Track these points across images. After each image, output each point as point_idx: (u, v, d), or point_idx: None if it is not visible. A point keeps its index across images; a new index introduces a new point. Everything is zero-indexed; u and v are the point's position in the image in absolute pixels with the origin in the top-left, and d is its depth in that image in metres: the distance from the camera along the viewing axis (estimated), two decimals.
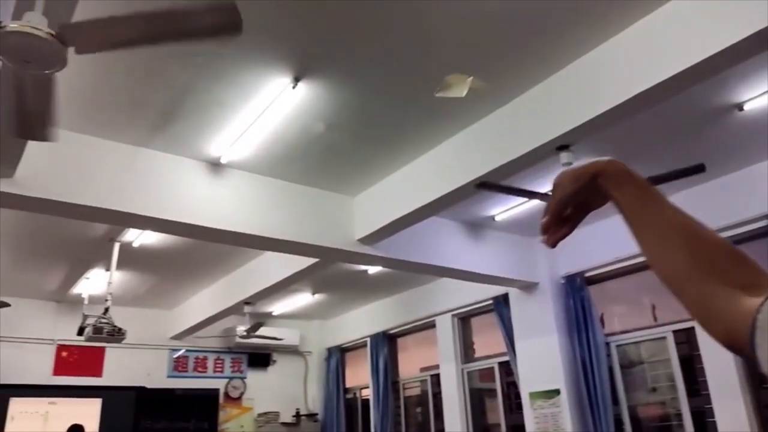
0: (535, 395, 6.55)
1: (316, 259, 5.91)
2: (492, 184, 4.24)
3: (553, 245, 0.85)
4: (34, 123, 2.80)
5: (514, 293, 7.02)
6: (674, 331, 5.76)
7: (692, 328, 5.52)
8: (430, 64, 3.61)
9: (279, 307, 9.20)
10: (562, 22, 3.33)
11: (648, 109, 3.56)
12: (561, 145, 3.86)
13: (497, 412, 7.44)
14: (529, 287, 6.81)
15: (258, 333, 7.89)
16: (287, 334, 9.38)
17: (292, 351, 10.08)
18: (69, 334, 7.32)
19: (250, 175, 4.97)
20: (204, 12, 2.24)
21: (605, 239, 6.19)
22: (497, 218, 6.19)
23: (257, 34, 3.29)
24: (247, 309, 7.74)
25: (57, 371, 8.25)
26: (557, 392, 6.32)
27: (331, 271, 7.04)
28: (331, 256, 5.73)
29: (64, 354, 8.34)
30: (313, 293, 8.72)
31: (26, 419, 7.83)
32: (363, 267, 7.26)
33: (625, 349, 6.29)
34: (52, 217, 4.87)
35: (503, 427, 7.29)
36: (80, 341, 6.56)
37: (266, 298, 7.60)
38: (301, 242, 5.13)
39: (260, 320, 8.03)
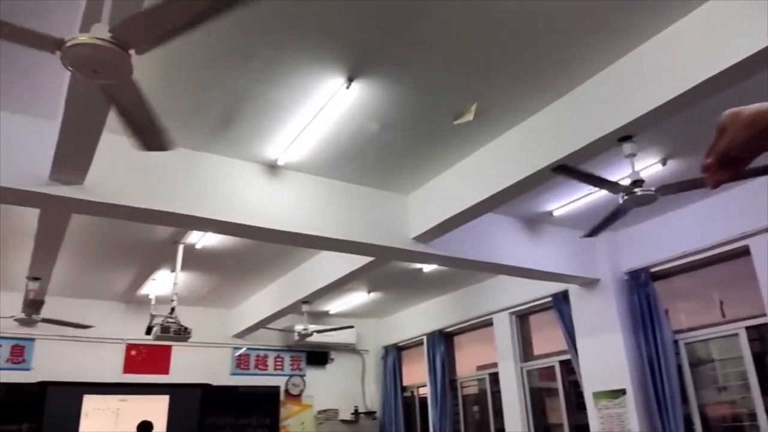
0: (599, 395, 6.38)
1: (372, 258, 5.94)
2: (571, 168, 3.81)
3: (715, 186, 0.85)
4: (147, 133, 2.90)
5: (574, 290, 6.86)
6: (747, 328, 5.51)
7: (765, 325, 5.26)
8: (487, 58, 3.56)
9: (335, 305, 9.30)
10: (625, 9, 3.22)
11: (717, 96, 3.39)
12: (623, 135, 3.73)
13: (559, 412, 7.28)
14: (590, 284, 6.64)
15: (322, 328, 8.06)
16: (344, 333, 9.47)
17: (350, 349, 10.18)
18: (137, 334, 7.62)
19: (306, 176, 5.03)
20: None
21: (672, 232, 5.98)
22: (555, 213, 6.05)
23: (311, 34, 3.32)
24: (305, 308, 7.86)
25: (127, 369, 8.61)
26: (623, 392, 6.13)
27: (386, 270, 7.05)
28: (387, 255, 5.74)
29: (133, 353, 8.69)
30: (369, 292, 8.77)
31: (99, 416, 8.20)
32: (418, 265, 7.25)
33: (694, 346, 6.04)
34: (120, 221, 5.08)
35: (566, 427, 7.13)
36: (148, 340, 6.82)
37: (323, 296, 7.69)
38: (356, 241, 5.17)
39: (317, 320, 8.21)
